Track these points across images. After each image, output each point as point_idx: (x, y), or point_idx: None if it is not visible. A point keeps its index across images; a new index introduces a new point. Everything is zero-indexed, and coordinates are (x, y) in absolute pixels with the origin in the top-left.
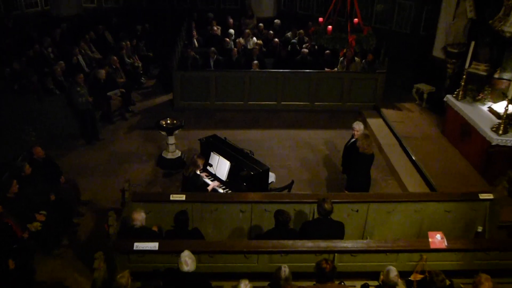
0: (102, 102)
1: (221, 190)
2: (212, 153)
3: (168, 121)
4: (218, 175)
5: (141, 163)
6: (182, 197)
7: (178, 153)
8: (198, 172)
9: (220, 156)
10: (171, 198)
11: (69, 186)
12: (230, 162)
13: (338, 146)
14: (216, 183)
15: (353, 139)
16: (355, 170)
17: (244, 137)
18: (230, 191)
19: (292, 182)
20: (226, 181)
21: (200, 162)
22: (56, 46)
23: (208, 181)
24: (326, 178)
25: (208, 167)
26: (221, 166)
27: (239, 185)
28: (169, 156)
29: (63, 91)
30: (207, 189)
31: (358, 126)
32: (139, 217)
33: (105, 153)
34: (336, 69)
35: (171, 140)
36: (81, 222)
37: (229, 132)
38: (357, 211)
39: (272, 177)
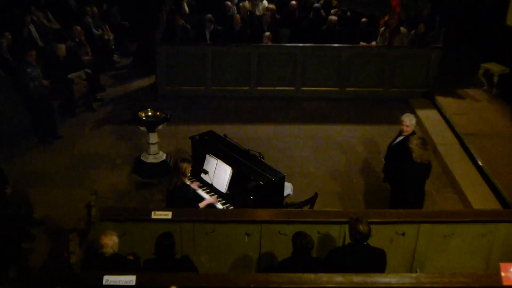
0: (61, 87)
1: (220, 206)
2: (207, 155)
3: (149, 113)
4: (215, 185)
5: (113, 169)
6: (167, 214)
7: (162, 156)
8: (186, 181)
9: (219, 160)
10: (152, 216)
11: (17, 200)
12: (232, 168)
13: (378, 146)
14: (213, 198)
15: (401, 137)
16: (404, 180)
17: (251, 135)
18: (231, 207)
19: (316, 195)
20: (226, 193)
21: (186, 168)
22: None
23: (202, 193)
24: (362, 190)
25: (203, 175)
26: (219, 173)
27: (244, 199)
28: (150, 159)
29: (9, 73)
30: (199, 205)
31: (409, 120)
32: (110, 241)
33: (66, 156)
34: (374, 43)
35: (153, 138)
36: (34, 247)
37: (230, 128)
38: (403, 234)
39: (288, 188)
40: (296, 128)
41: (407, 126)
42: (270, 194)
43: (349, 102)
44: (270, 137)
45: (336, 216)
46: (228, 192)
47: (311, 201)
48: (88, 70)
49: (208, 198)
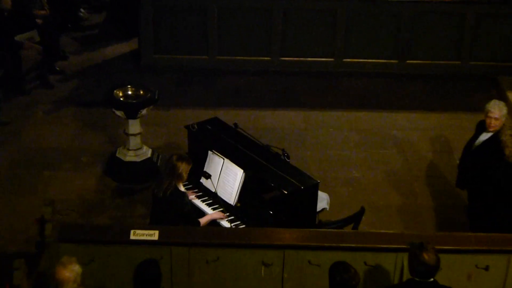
0: (5, 53)
1: (226, 224)
2: (210, 153)
3: (129, 92)
4: (221, 194)
5: (77, 171)
6: (153, 234)
7: (146, 153)
8: (181, 188)
9: (226, 160)
10: (131, 237)
11: None
12: (244, 171)
13: (450, 143)
14: (217, 213)
15: (487, 134)
16: (492, 188)
17: (272, 124)
18: (242, 226)
19: (362, 210)
20: (235, 206)
21: (184, 170)
22: None
23: (201, 205)
24: (427, 204)
25: (203, 180)
26: (227, 178)
27: (261, 215)
28: (130, 157)
29: None
30: (199, 221)
31: (499, 110)
32: (70, 274)
33: (10, 150)
34: None
35: (134, 127)
36: None
37: (243, 114)
38: (486, 268)
39: (323, 200)
40: (335, 116)
41: (495, 118)
42: (298, 208)
43: (411, 81)
44: (298, 128)
45: (391, 241)
46: (239, 204)
47: (356, 218)
48: (44, 30)
49: (210, 212)
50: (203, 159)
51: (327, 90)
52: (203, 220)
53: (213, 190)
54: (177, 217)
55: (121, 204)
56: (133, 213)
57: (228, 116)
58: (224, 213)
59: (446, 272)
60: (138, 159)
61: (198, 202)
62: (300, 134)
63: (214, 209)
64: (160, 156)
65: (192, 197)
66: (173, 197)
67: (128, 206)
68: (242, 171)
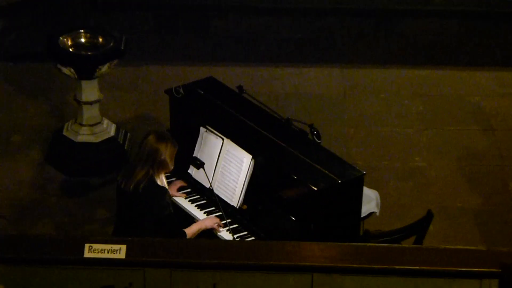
0: None
1: (226, 235)
2: (203, 130)
3: (82, 39)
4: (219, 191)
5: (5, 156)
6: (118, 250)
7: (108, 130)
8: (161, 181)
9: (226, 141)
10: (86, 254)
11: None
12: (254, 158)
13: None
14: (211, 219)
15: None
16: None
17: (294, 87)
18: (251, 238)
19: (429, 215)
20: (240, 208)
21: (169, 154)
22: None
23: (189, 207)
24: None
25: (192, 170)
26: (227, 167)
27: (279, 222)
28: (84, 136)
29: None
30: (185, 231)
31: None
32: None
33: None
34: None
35: (90, 91)
36: None
37: (251, 72)
38: None
39: (372, 201)
40: (388, 76)
41: None
42: (334, 212)
43: (504, 23)
44: (333, 94)
45: (472, 261)
46: (245, 206)
47: (419, 228)
48: None
49: (202, 218)
50: (192, 140)
51: (377, 37)
52: (191, 230)
53: (207, 186)
54: (154, 224)
55: (71, 205)
56: (88, 219)
57: (229, 75)
58: (223, 219)
59: None
60: (95, 139)
61: (184, 203)
62: (336, 102)
63: (208, 213)
64: (129, 134)
65: (175, 195)
66: (147, 195)
67: (82, 209)
68: (250, 157)
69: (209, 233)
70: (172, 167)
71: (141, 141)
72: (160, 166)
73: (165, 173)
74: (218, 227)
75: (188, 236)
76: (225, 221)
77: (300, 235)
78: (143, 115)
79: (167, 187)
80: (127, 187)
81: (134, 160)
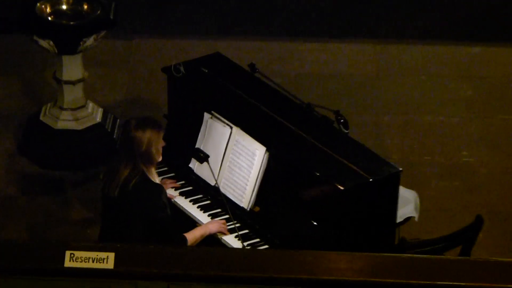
0: None
1: (234, 242)
2: (207, 116)
3: (63, 6)
4: (226, 190)
5: None
6: (105, 258)
7: (94, 115)
8: (154, 177)
9: (236, 129)
10: (67, 264)
11: None
12: (268, 150)
13: None
14: (218, 225)
15: None
16: None
17: (317, 65)
18: (264, 246)
19: (479, 222)
20: (250, 211)
21: (153, 142)
22: None
23: (190, 208)
24: None
25: (194, 165)
26: (236, 161)
27: (298, 227)
28: (65, 123)
29: None
30: (185, 237)
31: None
32: None
33: None
34: None
35: (73, 69)
36: None
37: (265, 48)
38: None
39: (409, 203)
40: (429, 52)
41: None
42: (363, 216)
43: None
44: (364, 74)
45: None
46: (257, 208)
47: (468, 236)
48: None
49: (205, 221)
50: (194, 128)
51: (417, 7)
52: (192, 235)
53: (212, 183)
54: (148, 229)
55: (48, 204)
56: (68, 220)
57: (239, 51)
58: (231, 221)
59: None
60: (78, 126)
61: (184, 204)
62: (367, 84)
63: (212, 216)
64: (119, 121)
65: (174, 194)
66: (140, 194)
67: (60, 208)
68: (264, 149)
69: (213, 240)
70: (160, 158)
71: (120, 132)
72: (143, 159)
73: (154, 166)
74: (225, 232)
75: (189, 243)
76: (233, 226)
77: (323, 243)
78: (135, 98)
79: (161, 183)
80: (112, 190)
81: (118, 155)
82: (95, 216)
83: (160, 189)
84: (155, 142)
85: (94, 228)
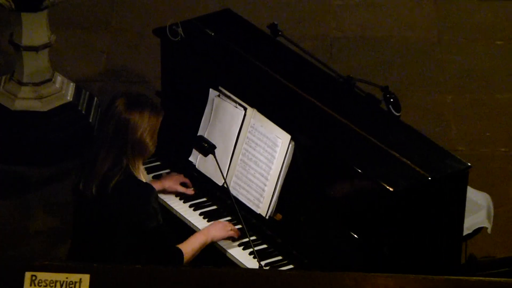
0: None
1: (248, 260)
2: (214, 94)
3: None
4: (237, 192)
5: None
6: (77, 281)
7: (63, 91)
8: (141, 175)
9: (251, 110)
10: (26, 286)
11: None
12: (294, 139)
13: None
14: (223, 229)
15: None
16: None
17: (359, 28)
18: (288, 266)
19: None
20: (271, 219)
21: (149, 129)
22: None
23: (188, 215)
24: None
25: (195, 158)
26: (252, 153)
27: (334, 241)
28: (23, 101)
29: None
30: (180, 249)
31: None
32: None
33: None
34: None
35: (36, 32)
36: None
37: (290, 3)
38: None
39: (481, 209)
40: (507, 11)
41: None
42: (420, 225)
43: None
44: (419, 40)
45: None
46: (280, 216)
47: None
48: None
49: (205, 224)
50: (196, 110)
51: None
52: (190, 246)
53: (220, 183)
54: (132, 242)
55: (2, 209)
56: (28, 232)
57: (254, 7)
58: (245, 235)
59: None
60: (43, 107)
61: (182, 209)
62: (425, 53)
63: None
64: (96, 99)
65: (176, 189)
66: (122, 196)
67: (18, 215)
68: (289, 138)
69: (218, 254)
70: (153, 150)
71: (104, 110)
72: (134, 149)
73: (144, 160)
74: (234, 236)
75: (186, 256)
76: (247, 239)
77: (367, 263)
78: (118, 69)
79: (151, 182)
80: (88, 189)
81: (96, 143)
82: (65, 226)
83: (148, 190)
84: (152, 129)
85: (63, 242)
